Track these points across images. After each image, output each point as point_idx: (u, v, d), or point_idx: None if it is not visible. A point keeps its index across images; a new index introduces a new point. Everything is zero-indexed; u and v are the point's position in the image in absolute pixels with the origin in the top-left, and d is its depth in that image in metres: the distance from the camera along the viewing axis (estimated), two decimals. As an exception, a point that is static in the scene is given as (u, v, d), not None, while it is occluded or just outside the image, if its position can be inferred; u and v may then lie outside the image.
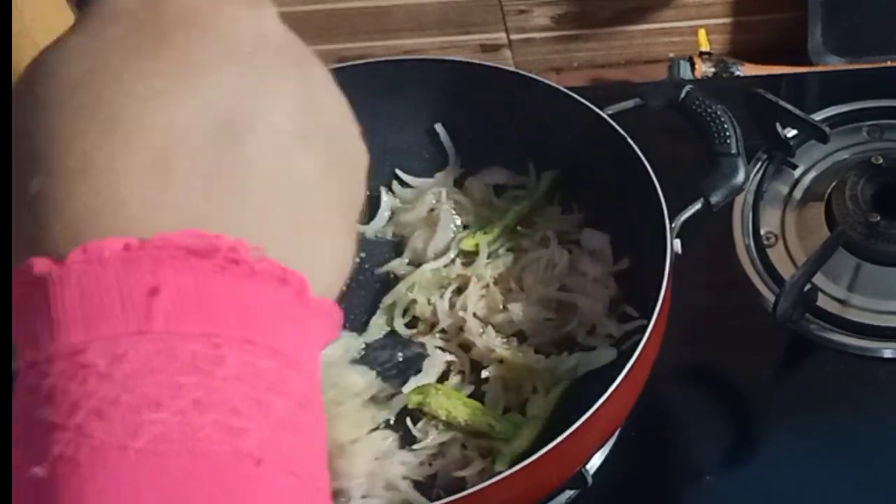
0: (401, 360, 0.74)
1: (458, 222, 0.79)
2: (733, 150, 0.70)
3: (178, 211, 0.28)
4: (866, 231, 0.80)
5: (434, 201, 0.80)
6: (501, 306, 0.75)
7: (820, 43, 0.97)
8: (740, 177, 0.70)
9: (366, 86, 0.69)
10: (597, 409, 0.59)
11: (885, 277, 0.80)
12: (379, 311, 0.76)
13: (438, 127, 0.82)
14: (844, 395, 0.77)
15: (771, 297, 0.78)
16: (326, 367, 0.63)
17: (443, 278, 0.76)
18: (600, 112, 0.72)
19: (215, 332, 0.27)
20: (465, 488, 0.57)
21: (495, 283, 0.76)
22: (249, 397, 0.27)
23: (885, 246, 0.80)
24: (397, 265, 0.78)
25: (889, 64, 0.97)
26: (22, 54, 0.99)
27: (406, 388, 0.71)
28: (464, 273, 0.76)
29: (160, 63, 0.29)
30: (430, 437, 0.69)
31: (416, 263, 0.78)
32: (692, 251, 0.69)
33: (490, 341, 0.72)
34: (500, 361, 0.72)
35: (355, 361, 0.74)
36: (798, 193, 0.87)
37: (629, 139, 0.70)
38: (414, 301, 0.75)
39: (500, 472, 0.57)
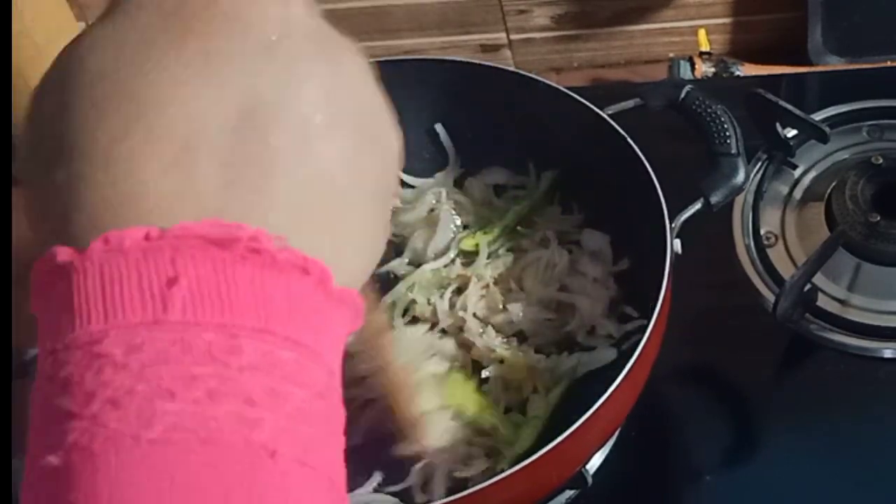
0: (401, 360, 0.74)
1: (458, 222, 0.79)
2: (733, 150, 0.70)
3: (200, 201, 0.28)
4: (866, 231, 0.80)
5: (434, 201, 0.80)
6: (501, 306, 0.75)
7: (820, 43, 0.97)
8: (740, 177, 0.70)
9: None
10: (597, 409, 0.59)
11: (885, 277, 0.80)
12: (379, 311, 0.76)
13: (438, 127, 0.82)
14: (844, 395, 0.77)
15: (771, 297, 0.78)
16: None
17: (443, 278, 0.76)
18: (600, 112, 0.72)
19: (233, 322, 0.27)
20: (466, 487, 0.58)
21: (495, 283, 0.76)
22: (265, 387, 0.27)
23: (885, 246, 0.80)
24: (397, 265, 0.78)
25: (889, 64, 0.97)
26: (22, 54, 0.99)
27: (421, 371, 0.71)
28: (464, 273, 0.76)
29: (183, 53, 0.29)
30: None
31: (416, 263, 0.78)
32: (692, 251, 0.69)
33: (490, 341, 0.72)
34: (501, 361, 0.72)
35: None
36: (798, 193, 0.87)
37: (629, 139, 0.70)
38: (414, 301, 0.75)
39: (500, 472, 0.57)
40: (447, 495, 0.58)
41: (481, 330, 0.73)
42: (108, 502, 0.25)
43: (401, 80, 0.78)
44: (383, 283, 0.78)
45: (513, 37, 1.03)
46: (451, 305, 0.75)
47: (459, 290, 0.75)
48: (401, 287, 0.76)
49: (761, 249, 0.83)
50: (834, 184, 0.84)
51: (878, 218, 0.79)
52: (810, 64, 0.97)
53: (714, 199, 0.69)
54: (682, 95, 0.73)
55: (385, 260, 0.79)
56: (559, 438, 0.58)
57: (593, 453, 0.69)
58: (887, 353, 0.77)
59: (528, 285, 0.75)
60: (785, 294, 0.72)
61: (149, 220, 0.27)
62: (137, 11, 0.30)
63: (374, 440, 0.66)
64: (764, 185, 0.86)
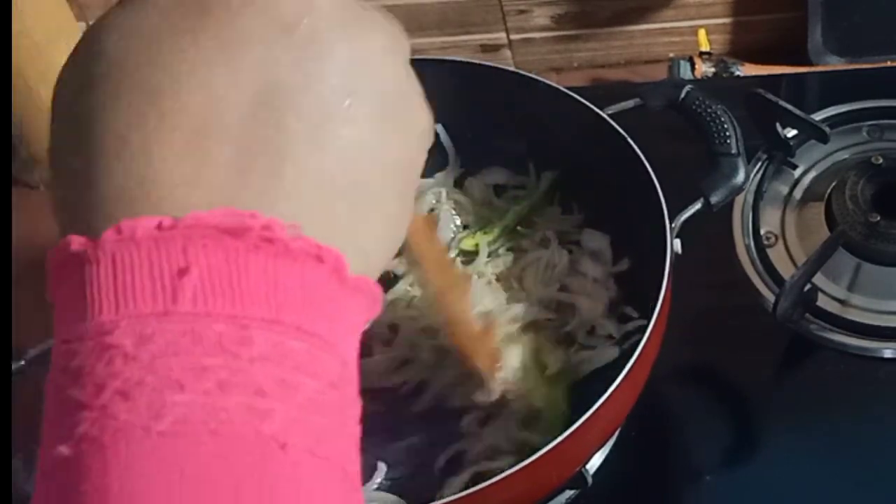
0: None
1: (458, 222, 0.79)
2: (733, 150, 0.70)
3: (213, 189, 0.28)
4: (866, 231, 0.80)
5: (434, 201, 0.80)
6: (506, 302, 0.74)
7: (820, 43, 0.97)
8: (740, 177, 0.70)
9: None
10: (597, 409, 0.59)
11: (885, 277, 0.80)
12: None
13: (438, 127, 0.82)
14: (844, 395, 0.77)
15: (771, 297, 0.78)
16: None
17: None
18: (600, 112, 0.72)
19: (244, 312, 0.27)
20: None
21: (497, 280, 0.76)
22: (276, 378, 0.27)
23: (885, 246, 0.80)
24: (397, 264, 0.78)
25: (889, 64, 0.97)
26: (22, 54, 0.99)
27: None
28: (465, 272, 0.76)
29: (199, 37, 0.29)
30: None
31: (416, 263, 0.78)
32: (692, 251, 0.69)
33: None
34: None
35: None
36: (798, 193, 0.87)
37: (629, 139, 0.70)
38: (415, 297, 0.75)
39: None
40: (471, 484, 0.57)
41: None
42: (119, 494, 0.25)
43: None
44: (383, 282, 0.78)
45: (513, 37, 1.03)
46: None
47: None
48: (401, 285, 0.76)
49: (761, 249, 0.83)
50: (834, 184, 0.84)
51: (878, 218, 0.79)
52: (810, 64, 0.97)
53: (714, 199, 0.69)
54: (682, 95, 0.73)
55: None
56: (559, 438, 0.58)
57: (593, 453, 0.69)
58: (887, 353, 0.77)
59: (529, 285, 0.75)
60: (785, 294, 0.72)
61: (162, 208, 0.27)
62: None
63: (380, 431, 0.66)
64: (764, 185, 0.86)
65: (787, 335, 0.79)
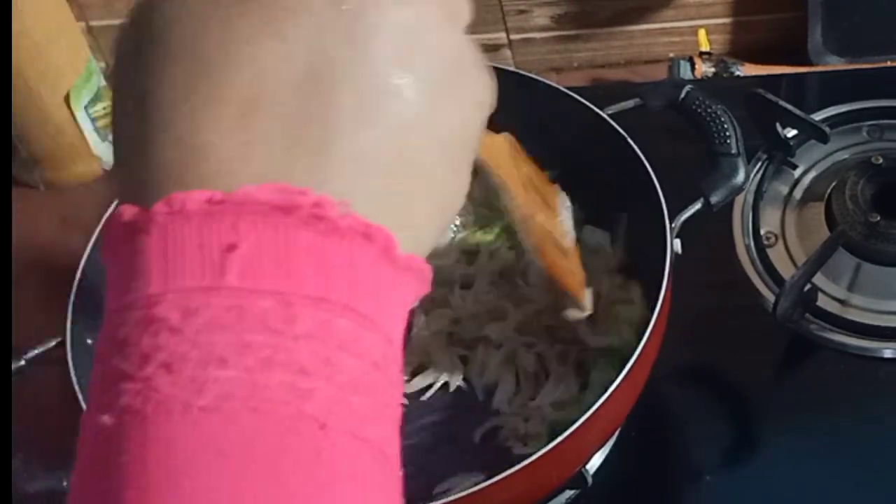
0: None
1: (458, 222, 0.79)
2: (733, 150, 0.70)
3: (262, 163, 0.27)
4: (866, 231, 0.80)
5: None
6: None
7: (820, 43, 0.97)
8: (740, 177, 0.70)
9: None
10: (597, 409, 0.59)
11: (885, 277, 0.80)
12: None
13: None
14: (844, 395, 0.77)
15: (771, 297, 0.78)
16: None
17: (447, 275, 0.76)
18: (600, 112, 0.72)
19: (290, 289, 0.27)
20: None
21: (500, 276, 0.76)
22: (320, 357, 0.27)
23: (885, 246, 0.80)
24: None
25: (889, 64, 0.97)
26: (22, 54, 0.99)
27: None
28: (467, 272, 0.76)
29: (248, 10, 0.28)
30: None
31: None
32: (692, 251, 0.69)
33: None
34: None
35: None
36: (798, 193, 0.87)
37: (629, 139, 0.70)
38: None
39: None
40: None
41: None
42: (157, 467, 0.25)
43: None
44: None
45: (513, 37, 1.03)
46: (462, 298, 0.75)
47: (465, 286, 0.75)
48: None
49: (761, 249, 0.83)
50: (834, 184, 0.84)
51: (878, 218, 0.79)
52: (810, 64, 0.97)
53: (714, 199, 0.69)
54: (682, 95, 0.73)
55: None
56: (559, 438, 0.58)
57: (593, 453, 0.69)
58: (887, 353, 0.77)
59: (534, 280, 0.75)
60: (785, 294, 0.72)
61: (211, 182, 0.27)
62: None
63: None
64: (764, 185, 0.86)
65: (787, 335, 0.79)
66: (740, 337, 0.80)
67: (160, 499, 0.25)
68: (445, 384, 0.73)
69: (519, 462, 0.57)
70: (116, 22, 1.08)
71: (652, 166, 0.68)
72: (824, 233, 0.82)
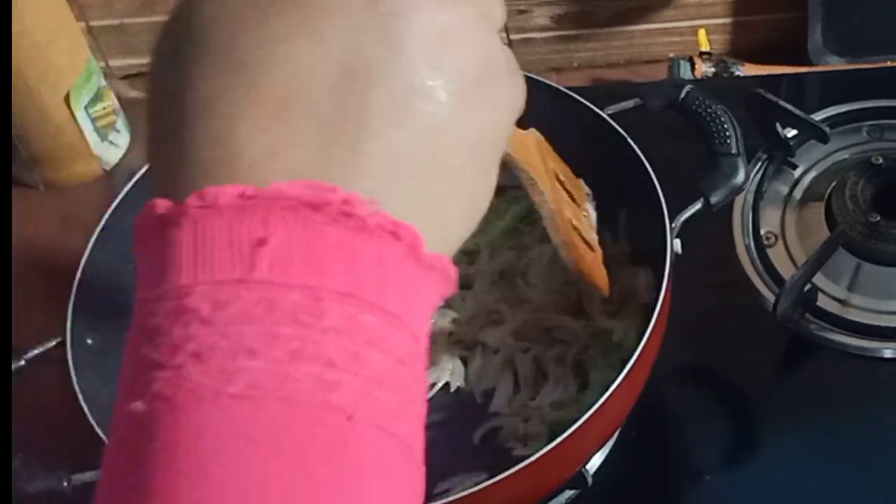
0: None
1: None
2: (733, 150, 0.70)
3: (295, 160, 0.28)
4: (866, 231, 0.80)
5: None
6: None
7: (820, 43, 0.97)
8: (740, 177, 0.70)
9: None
10: (597, 410, 0.59)
11: (885, 277, 0.80)
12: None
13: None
14: (844, 395, 0.77)
15: (771, 297, 0.78)
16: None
17: None
18: (600, 112, 0.72)
19: (319, 284, 0.27)
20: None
21: (500, 277, 0.76)
22: (347, 351, 0.27)
23: (885, 246, 0.80)
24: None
25: (889, 64, 0.97)
26: (22, 54, 0.99)
27: None
28: (467, 272, 0.76)
29: (286, 8, 0.29)
30: None
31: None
32: (692, 251, 0.69)
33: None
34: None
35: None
36: (798, 193, 0.87)
37: (629, 139, 0.70)
38: None
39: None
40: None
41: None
42: (187, 452, 0.26)
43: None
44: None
45: (513, 37, 1.03)
46: (462, 298, 0.75)
47: (465, 287, 0.75)
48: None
49: (761, 249, 0.83)
50: (834, 184, 0.84)
51: (878, 218, 0.79)
52: (810, 64, 0.97)
53: (714, 199, 0.69)
54: (682, 95, 0.73)
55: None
56: (559, 438, 0.58)
57: (593, 453, 0.69)
58: (887, 353, 0.77)
59: (534, 280, 0.75)
60: (785, 294, 0.72)
61: (244, 177, 0.28)
62: None
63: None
64: (764, 185, 0.86)
65: (787, 335, 0.79)
66: (740, 337, 0.80)
67: (190, 484, 0.26)
68: (446, 384, 0.73)
69: (519, 462, 0.57)
70: (116, 22, 1.09)
71: (652, 166, 0.68)
72: (824, 233, 0.82)
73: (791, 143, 0.86)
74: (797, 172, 0.88)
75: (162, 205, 0.28)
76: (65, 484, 0.60)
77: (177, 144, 0.29)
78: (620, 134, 0.70)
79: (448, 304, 0.75)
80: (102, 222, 0.70)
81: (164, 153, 0.29)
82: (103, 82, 0.95)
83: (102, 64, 1.01)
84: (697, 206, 0.69)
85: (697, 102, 0.72)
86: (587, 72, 1.05)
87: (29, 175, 0.95)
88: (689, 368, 0.79)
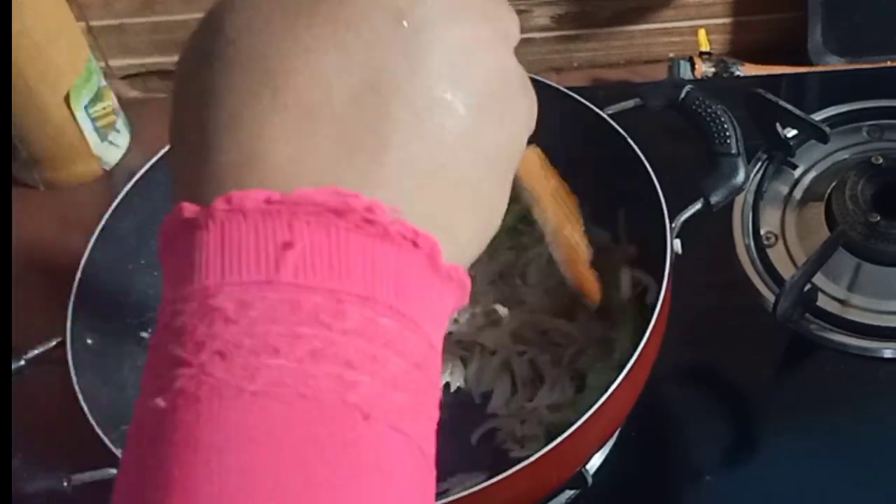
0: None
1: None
2: (733, 150, 0.70)
3: (319, 168, 0.29)
4: (866, 231, 0.80)
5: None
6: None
7: (820, 43, 0.97)
8: (740, 177, 0.70)
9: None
10: (597, 410, 0.59)
11: (885, 277, 0.80)
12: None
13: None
14: (844, 395, 0.77)
15: (771, 297, 0.78)
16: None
17: None
18: (600, 112, 0.72)
19: (341, 287, 0.28)
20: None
21: (500, 277, 0.76)
22: (366, 352, 0.28)
23: (885, 246, 0.80)
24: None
25: (889, 64, 0.97)
26: (22, 54, 0.99)
27: None
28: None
29: (313, 20, 0.30)
30: None
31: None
32: (692, 251, 0.69)
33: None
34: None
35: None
36: (798, 193, 0.87)
37: (629, 139, 0.70)
38: None
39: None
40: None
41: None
42: (208, 446, 0.27)
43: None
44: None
45: (513, 37, 1.03)
46: None
47: None
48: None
49: (761, 249, 0.83)
50: (834, 184, 0.84)
51: (878, 218, 0.79)
52: (810, 64, 0.97)
53: (714, 199, 0.69)
54: (682, 95, 0.73)
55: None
56: (559, 438, 0.58)
57: (593, 453, 0.69)
58: (887, 353, 0.77)
59: (532, 279, 0.75)
60: (785, 294, 0.72)
61: (269, 183, 0.28)
62: None
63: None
64: (764, 185, 0.86)
65: (787, 335, 0.79)
66: (740, 337, 0.80)
67: (207, 476, 0.26)
68: (446, 384, 0.73)
69: (517, 463, 0.57)
70: (116, 22, 1.09)
71: (652, 166, 0.68)
72: (824, 233, 0.82)
73: (791, 143, 0.86)
74: (797, 172, 0.88)
75: (189, 209, 0.29)
76: (65, 484, 0.60)
77: (203, 150, 0.29)
78: (620, 134, 0.70)
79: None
80: (102, 222, 0.70)
81: (190, 160, 0.30)
82: (103, 82, 0.95)
83: (102, 64, 1.01)
84: (697, 206, 0.68)
85: (697, 102, 0.72)
86: (587, 72, 1.05)
87: (29, 175, 0.95)
88: (689, 368, 0.79)
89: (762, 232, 0.84)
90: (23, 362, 0.65)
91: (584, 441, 0.62)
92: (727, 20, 1.01)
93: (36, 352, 0.65)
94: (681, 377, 0.78)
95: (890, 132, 0.90)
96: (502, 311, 0.74)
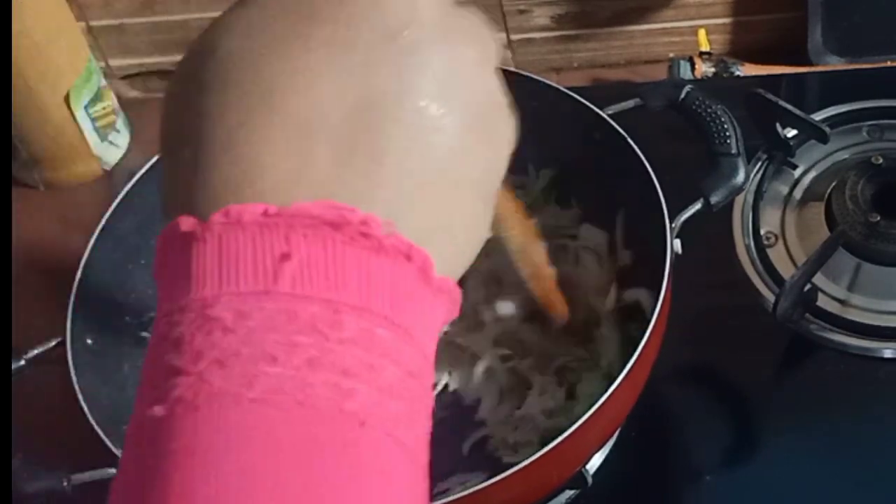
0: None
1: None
2: (733, 150, 0.70)
3: (314, 183, 0.29)
4: (866, 231, 0.80)
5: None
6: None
7: (820, 43, 0.97)
8: (740, 177, 0.70)
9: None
10: (597, 409, 0.59)
11: (885, 277, 0.80)
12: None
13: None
14: (844, 395, 0.77)
15: (771, 297, 0.78)
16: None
17: None
18: (600, 112, 0.72)
19: (337, 298, 0.28)
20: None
21: (490, 277, 0.76)
22: (362, 361, 0.28)
23: (885, 246, 0.80)
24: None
25: (889, 64, 0.97)
26: (22, 54, 0.99)
27: None
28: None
29: (308, 42, 0.30)
30: None
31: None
32: (692, 251, 0.69)
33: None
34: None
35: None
36: (798, 193, 0.87)
37: (629, 139, 0.70)
38: None
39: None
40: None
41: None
42: (206, 453, 0.27)
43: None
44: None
45: (513, 37, 1.03)
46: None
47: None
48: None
49: (761, 249, 0.83)
50: (834, 184, 0.84)
51: (878, 218, 0.79)
52: (810, 64, 0.97)
53: (714, 199, 0.69)
54: (682, 95, 0.73)
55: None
56: (559, 438, 0.58)
57: (593, 453, 0.69)
58: (887, 353, 0.77)
59: (512, 279, 0.75)
60: (785, 294, 0.72)
61: (266, 198, 0.29)
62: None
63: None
64: (764, 185, 0.86)
65: (787, 335, 0.79)
66: (740, 337, 0.80)
67: (205, 479, 0.27)
68: (445, 385, 0.73)
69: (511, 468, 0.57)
70: (116, 22, 1.09)
71: (652, 166, 0.68)
72: (824, 233, 0.82)
73: (791, 143, 0.86)
74: (797, 172, 0.88)
75: (186, 222, 0.29)
76: (65, 484, 0.60)
77: (199, 167, 0.30)
78: (620, 134, 0.70)
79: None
80: (102, 222, 0.70)
81: (185, 176, 0.30)
82: (103, 82, 0.95)
83: (102, 64, 1.01)
84: (697, 206, 0.68)
85: (697, 102, 0.72)
86: (587, 72, 1.05)
87: (29, 175, 0.95)
88: (689, 368, 0.79)
89: (762, 232, 0.84)
90: (23, 362, 0.65)
91: (585, 441, 0.62)
92: (727, 20, 1.01)
93: (36, 352, 0.65)
94: (681, 377, 0.78)
95: (890, 132, 0.90)
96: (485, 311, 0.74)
